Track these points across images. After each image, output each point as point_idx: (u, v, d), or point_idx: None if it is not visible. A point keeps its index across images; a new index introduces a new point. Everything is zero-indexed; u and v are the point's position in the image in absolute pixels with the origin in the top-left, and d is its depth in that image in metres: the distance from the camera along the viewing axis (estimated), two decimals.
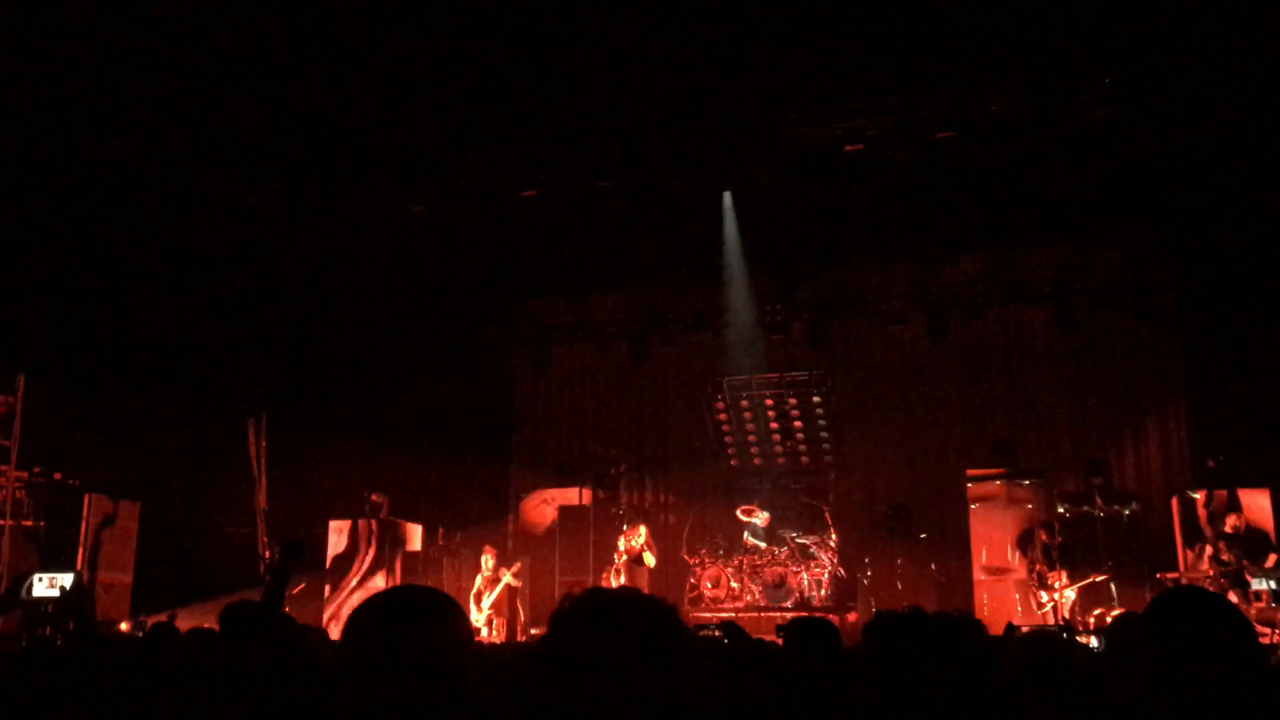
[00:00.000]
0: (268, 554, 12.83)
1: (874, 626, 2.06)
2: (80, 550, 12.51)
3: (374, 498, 14.30)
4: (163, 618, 10.29)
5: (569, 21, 9.83)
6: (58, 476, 12.82)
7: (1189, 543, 12.28)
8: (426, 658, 1.87)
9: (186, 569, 12.62)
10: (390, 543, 14.19)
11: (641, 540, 13.07)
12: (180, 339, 13.12)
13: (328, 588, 13.98)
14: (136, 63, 10.09)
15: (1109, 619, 10.81)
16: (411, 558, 14.32)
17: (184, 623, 10.22)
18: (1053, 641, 4.02)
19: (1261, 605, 10.75)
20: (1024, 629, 10.53)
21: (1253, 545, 11.35)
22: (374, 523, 14.18)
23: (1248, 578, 11.00)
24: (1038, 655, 3.82)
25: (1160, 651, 2.53)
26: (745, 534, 14.15)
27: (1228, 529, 11.40)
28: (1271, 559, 11.24)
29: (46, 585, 11.35)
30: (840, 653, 4.33)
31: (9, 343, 12.40)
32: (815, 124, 11.90)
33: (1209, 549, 11.45)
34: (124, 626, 11.80)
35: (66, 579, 11.44)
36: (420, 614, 1.93)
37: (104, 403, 12.21)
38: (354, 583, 14.00)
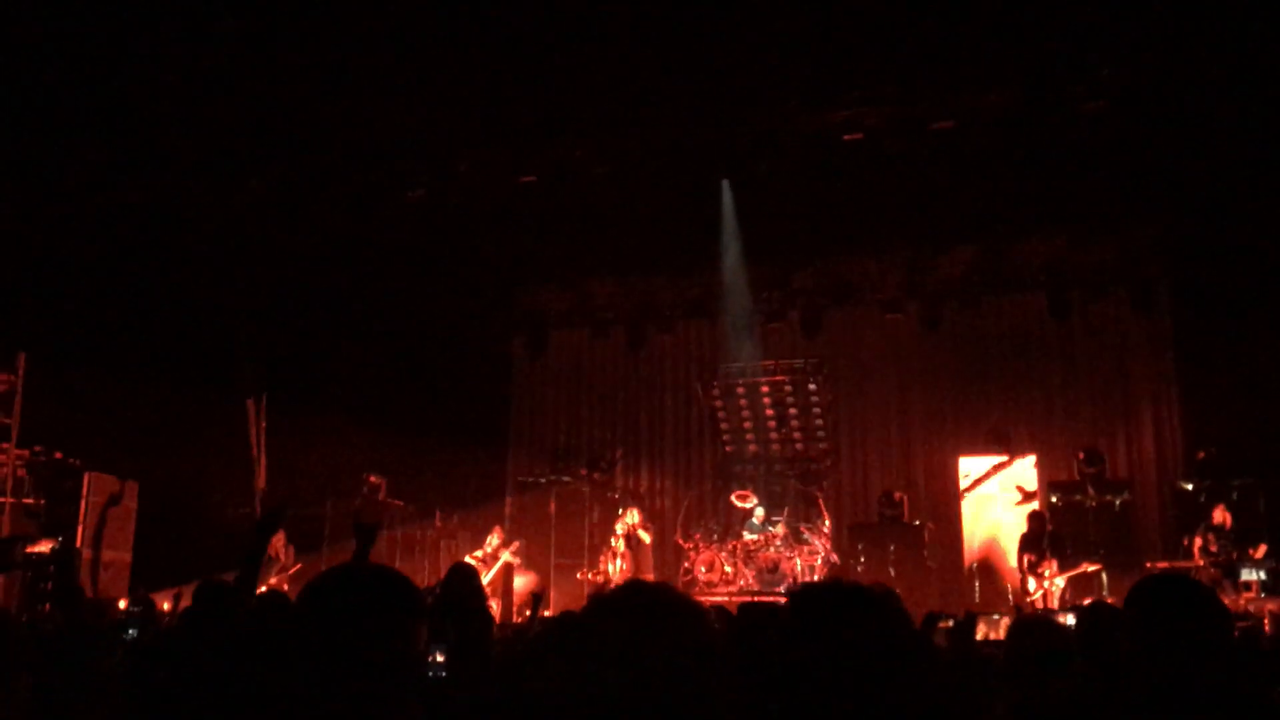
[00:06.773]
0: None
1: (793, 597, 2.03)
2: (80, 528, 12.56)
3: (371, 479, 14.37)
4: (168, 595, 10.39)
5: (566, 7, 9.85)
6: (59, 455, 12.86)
7: (1179, 533, 12.38)
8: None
9: (185, 548, 12.65)
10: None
11: (635, 521, 13.27)
12: (182, 319, 13.17)
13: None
14: (134, 49, 10.09)
15: None
16: (408, 539, 14.41)
17: (185, 601, 10.30)
18: (1041, 627, 4.11)
19: (1251, 595, 10.86)
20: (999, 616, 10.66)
21: (1241, 536, 11.46)
22: None
23: (1239, 568, 11.14)
24: (1027, 640, 3.92)
25: (1137, 638, 2.60)
26: (746, 525, 14.13)
27: (1214, 521, 11.51)
28: (1262, 549, 11.34)
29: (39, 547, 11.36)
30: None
31: (10, 321, 12.42)
32: (814, 113, 11.92)
33: (1199, 540, 11.54)
34: (122, 604, 11.85)
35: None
36: None
37: (105, 381, 12.23)
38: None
